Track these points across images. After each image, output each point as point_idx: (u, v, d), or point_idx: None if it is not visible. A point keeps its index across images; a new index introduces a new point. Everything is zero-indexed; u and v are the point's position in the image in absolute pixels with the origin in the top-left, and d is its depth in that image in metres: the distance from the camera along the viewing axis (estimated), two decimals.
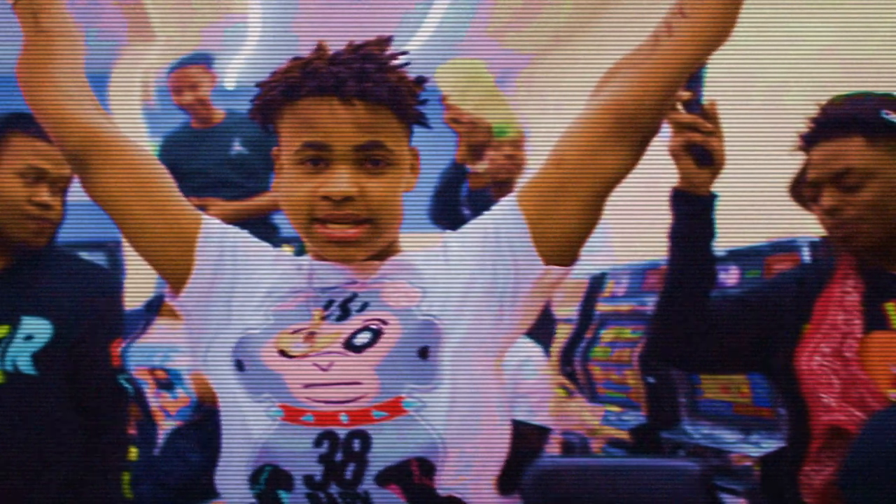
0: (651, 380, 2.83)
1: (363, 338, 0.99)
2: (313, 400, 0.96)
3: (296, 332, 1.01)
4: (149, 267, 1.10)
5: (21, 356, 1.44)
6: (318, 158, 1.01)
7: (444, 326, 0.99)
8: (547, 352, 2.36)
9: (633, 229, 2.84)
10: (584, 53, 5.34)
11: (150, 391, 2.18)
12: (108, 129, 1.09)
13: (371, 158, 1.01)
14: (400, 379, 0.96)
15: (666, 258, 1.45)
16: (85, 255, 1.74)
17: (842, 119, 1.38)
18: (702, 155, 1.38)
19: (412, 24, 5.37)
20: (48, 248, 1.53)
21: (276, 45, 5.59)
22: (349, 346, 0.99)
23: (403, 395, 0.95)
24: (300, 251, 1.24)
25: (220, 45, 4.54)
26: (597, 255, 3.28)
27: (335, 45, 1.04)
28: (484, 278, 1.03)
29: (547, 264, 1.02)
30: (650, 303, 2.82)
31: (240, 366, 1.00)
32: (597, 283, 3.44)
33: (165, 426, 2.17)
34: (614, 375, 3.10)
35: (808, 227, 1.57)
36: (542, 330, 2.16)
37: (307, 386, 0.96)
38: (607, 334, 3.23)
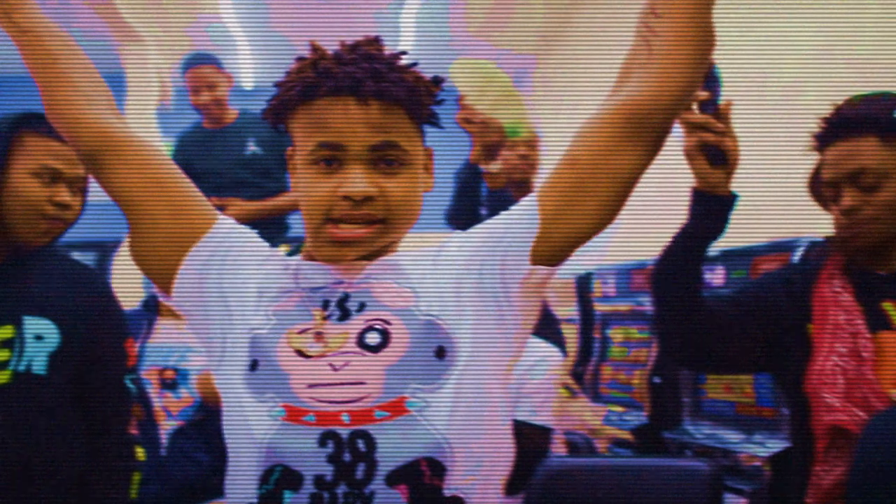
0: (657, 380, 2.83)
1: (373, 338, 0.99)
2: (316, 400, 0.96)
3: (302, 331, 1.01)
4: (134, 269, 1.10)
5: (37, 357, 1.43)
6: (332, 158, 1.01)
7: (448, 327, 1.00)
8: (563, 352, 2.35)
9: (620, 229, 2.83)
10: (577, 53, 5.35)
11: (153, 391, 2.18)
12: (121, 128, 1.09)
13: (385, 158, 1.01)
14: (407, 379, 0.96)
15: (657, 257, 1.46)
16: (77, 255, 1.73)
17: (856, 119, 1.39)
18: (715, 155, 1.39)
19: (390, 23, 5.38)
20: (41, 247, 1.51)
21: (263, 45, 5.60)
22: (363, 345, 0.99)
23: (407, 396, 0.95)
24: (296, 251, 1.24)
25: (208, 45, 4.53)
26: (582, 256, 3.29)
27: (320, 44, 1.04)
28: (470, 278, 1.04)
29: (533, 264, 1.03)
30: (647, 302, 2.83)
31: (254, 365, 1.00)
32: (583, 282, 3.45)
33: (167, 426, 2.17)
34: (622, 375, 3.10)
35: (808, 226, 1.57)
36: (548, 330, 2.16)
37: (312, 386, 0.97)
38: (615, 334, 3.24)
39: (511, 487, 1.54)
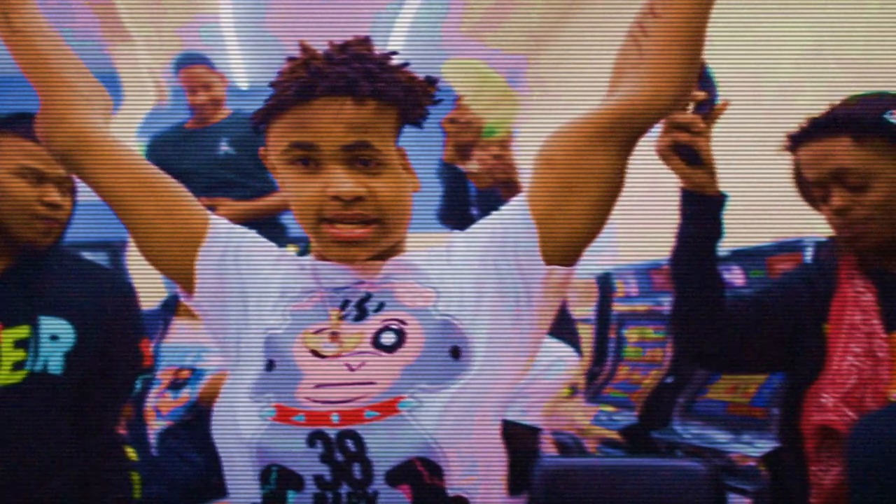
0: (669, 380, 2.84)
1: (389, 337, 0.99)
2: (312, 400, 0.95)
3: (318, 331, 1.02)
4: (153, 269, 1.10)
5: (53, 357, 1.44)
6: (307, 158, 1.01)
7: (463, 327, 1.00)
8: (579, 352, 2.35)
9: (636, 229, 2.84)
10: (568, 53, 5.36)
11: (157, 391, 2.18)
12: (98, 129, 1.08)
13: (359, 158, 1.01)
14: (418, 378, 0.96)
15: (668, 258, 1.45)
16: (88, 255, 1.73)
17: (829, 119, 1.39)
18: (690, 155, 1.38)
19: (385, 24, 5.37)
20: (52, 248, 1.52)
21: (255, 46, 5.58)
22: (378, 345, 0.99)
23: (404, 396, 0.94)
24: (305, 251, 1.24)
25: (198, 45, 4.51)
26: (600, 256, 3.29)
27: (311, 43, 1.04)
28: (491, 278, 1.03)
29: (548, 264, 1.02)
30: (666, 303, 2.84)
31: (270, 365, 1.01)
32: (605, 282, 3.45)
33: (155, 426, 2.17)
34: (637, 375, 3.11)
35: (810, 226, 1.57)
36: (564, 330, 2.16)
37: (321, 385, 0.96)
38: (631, 334, 3.24)
39: (513, 487, 1.54)
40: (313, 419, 0.94)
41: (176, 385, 2.20)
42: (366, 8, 5.08)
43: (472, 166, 2.48)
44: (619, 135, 1.01)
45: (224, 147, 2.99)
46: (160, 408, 2.19)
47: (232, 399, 1.00)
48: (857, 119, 1.36)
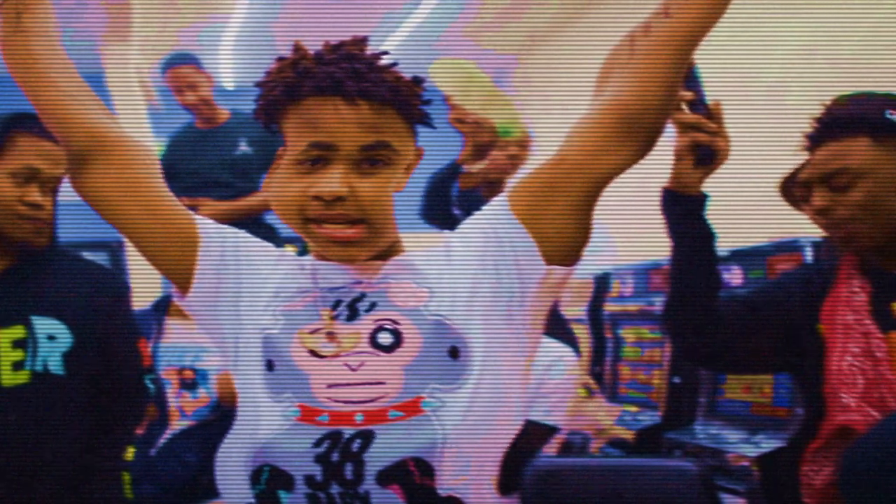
0: (676, 380, 2.83)
1: (386, 337, 0.99)
2: (333, 400, 0.96)
3: (314, 331, 1.02)
4: (152, 268, 1.10)
5: (52, 357, 1.44)
6: (319, 158, 1.00)
7: (457, 327, 1.00)
8: (577, 352, 2.35)
9: (636, 229, 2.83)
10: (565, 54, 5.34)
11: (172, 391, 2.19)
12: (114, 128, 1.08)
13: (371, 158, 1.01)
14: (426, 378, 0.96)
15: (669, 258, 1.45)
16: (88, 255, 1.74)
17: (852, 119, 1.38)
18: (705, 155, 1.38)
19: (389, 25, 5.36)
20: (51, 248, 1.53)
21: (253, 45, 5.58)
22: (376, 345, 0.99)
23: (424, 395, 0.95)
24: (303, 251, 1.24)
25: (196, 46, 4.51)
26: (600, 256, 3.29)
27: (314, 44, 1.04)
28: (489, 278, 1.03)
29: (549, 264, 1.02)
30: (658, 303, 2.83)
31: (270, 366, 1.01)
32: (602, 283, 3.45)
33: (177, 426, 2.18)
34: (642, 375, 3.11)
35: (810, 227, 1.57)
36: (559, 330, 2.15)
37: (332, 386, 0.97)
38: (628, 334, 3.24)
39: (506, 487, 1.54)
40: (337, 419, 0.94)
41: (186, 385, 2.21)
42: (377, 9, 5.08)
43: (476, 166, 2.47)
44: (636, 135, 1.00)
45: (243, 147, 2.99)
46: (184, 407, 2.20)
47: (253, 398, 1.01)
48: (871, 119, 1.36)
